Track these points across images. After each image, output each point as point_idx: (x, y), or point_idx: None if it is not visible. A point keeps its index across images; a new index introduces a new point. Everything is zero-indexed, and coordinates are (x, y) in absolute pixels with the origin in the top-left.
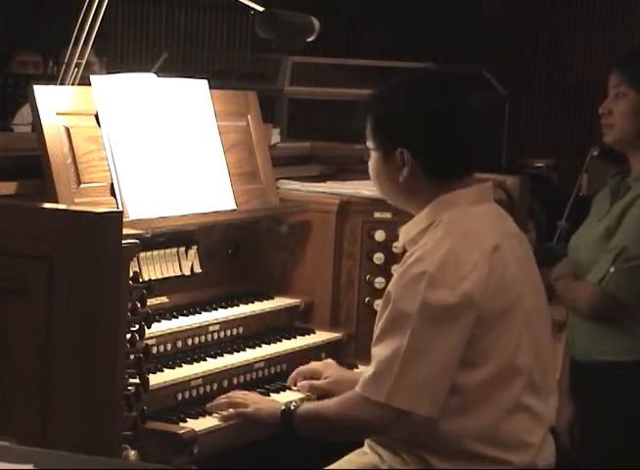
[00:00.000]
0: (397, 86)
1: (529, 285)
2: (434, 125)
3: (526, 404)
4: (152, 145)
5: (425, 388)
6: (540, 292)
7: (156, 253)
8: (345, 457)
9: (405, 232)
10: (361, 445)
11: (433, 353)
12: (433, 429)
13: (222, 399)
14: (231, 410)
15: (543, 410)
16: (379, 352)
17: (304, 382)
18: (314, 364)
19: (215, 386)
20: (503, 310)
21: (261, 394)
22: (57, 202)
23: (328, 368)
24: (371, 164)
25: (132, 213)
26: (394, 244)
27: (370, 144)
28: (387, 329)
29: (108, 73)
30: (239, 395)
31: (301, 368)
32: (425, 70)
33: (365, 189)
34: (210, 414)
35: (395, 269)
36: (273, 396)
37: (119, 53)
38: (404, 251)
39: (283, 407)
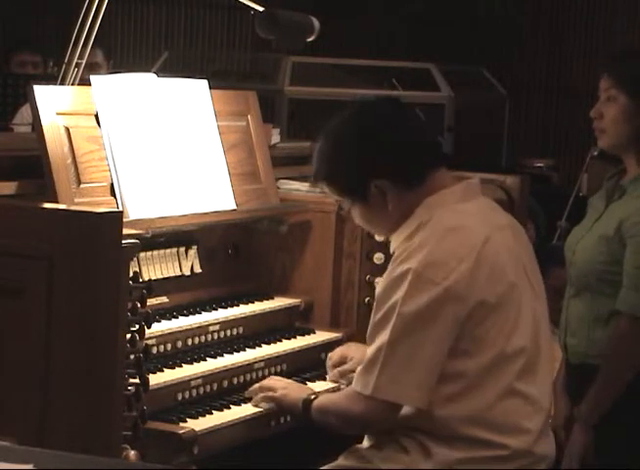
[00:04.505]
0: (328, 142)
1: (523, 274)
2: (381, 147)
3: (520, 390)
4: (152, 145)
5: (408, 379)
6: (536, 277)
7: (156, 253)
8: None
9: (396, 238)
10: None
11: (414, 346)
12: (427, 416)
13: (257, 385)
14: (261, 395)
15: (539, 396)
16: (369, 350)
17: (335, 371)
18: (339, 350)
19: (215, 386)
20: (496, 300)
21: None
22: (57, 202)
23: (350, 349)
24: (358, 216)
25: (132, 213)
26: None
27: (345, 204)
28: (374, 329)
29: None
30: (273, 378)
31: (331, 360)
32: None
33: None
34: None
35: None
36: None
37: (119, 53)
38: None
39: (304, 397)
